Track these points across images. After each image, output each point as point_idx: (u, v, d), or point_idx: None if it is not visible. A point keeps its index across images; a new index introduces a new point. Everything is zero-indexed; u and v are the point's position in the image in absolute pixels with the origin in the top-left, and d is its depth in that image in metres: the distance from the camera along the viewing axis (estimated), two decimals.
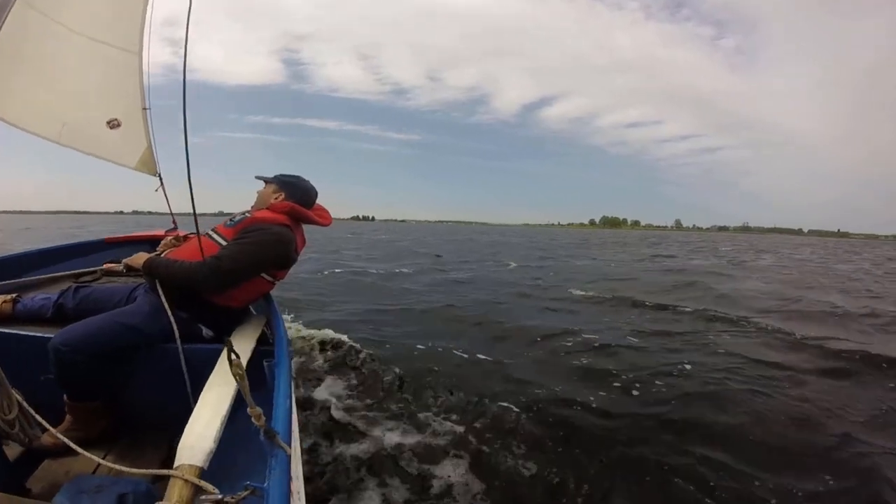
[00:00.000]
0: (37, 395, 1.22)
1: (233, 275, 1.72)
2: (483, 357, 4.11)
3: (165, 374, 1.60)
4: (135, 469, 1.05)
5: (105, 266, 2.56)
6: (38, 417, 1.19)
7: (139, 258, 1.85)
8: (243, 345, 1.63)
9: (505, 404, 3.12)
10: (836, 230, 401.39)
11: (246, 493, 0.90)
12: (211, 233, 1.91)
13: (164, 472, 0.97)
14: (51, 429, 1.16)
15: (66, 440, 1.10)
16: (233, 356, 0.98)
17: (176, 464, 0.99)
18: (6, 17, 1.20)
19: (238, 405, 1.20)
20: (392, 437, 2.69)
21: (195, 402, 1.31)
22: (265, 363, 1.52)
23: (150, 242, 3.40)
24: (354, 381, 3.52)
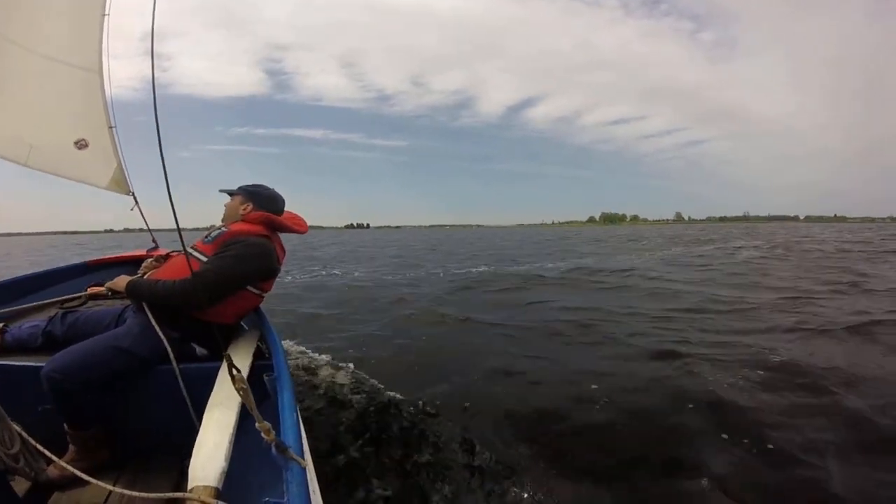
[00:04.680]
0: (37, 427, 1.16)
1: (218, 289, 1.71)
2: None
3: (164, 396, 1.58)
4: (147, 494, 1.02)
5: (89, 290, 2.57)
6: (43, 449, 1.14)
7: (121, 281, 1.85)
8: (240, 360, 1.58)
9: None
10: (833, 215, 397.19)
11: None
12: (190, 250, 1.87)
13: (179, 494, 0.94)
14: (57, 460, 1.12)
15: (74, 470, 1.07)
16: (234, 371, 0.99)
17: (189, 486, 0.97)
18: None
19: (243, 421, 1.21)
20: (408, 448, 2.55)
21: (199, 421, 1.30)
22: (265, 377, 1.51)
23: (133, 263, 3.40)
24: (358, 394, 3.28)
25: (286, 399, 1.29)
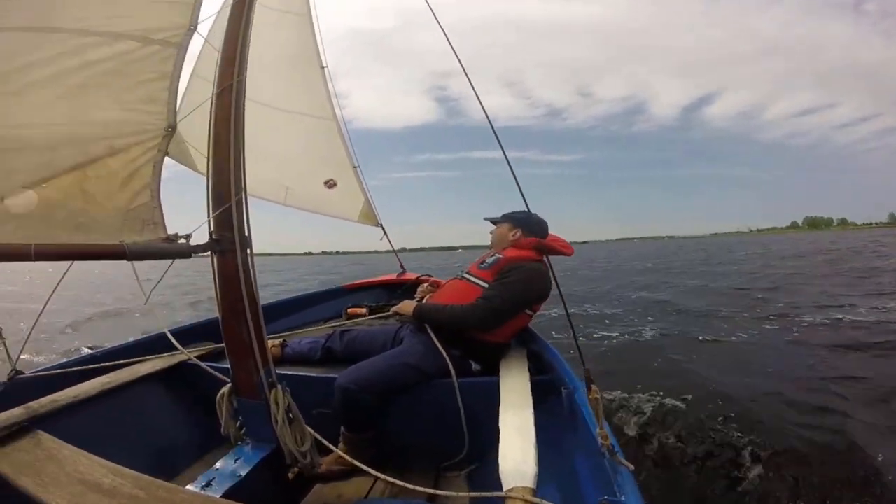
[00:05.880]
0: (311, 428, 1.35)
1: (505, 314, 1.81)
2: None
3: (435, 407, 1.69)
4: (466, 493, 1.22)
5: (349, 311, 2.96)
6: (333, 447, 1.34)
7: (406, 306, 1.98)
8: (517, 375, 1.68)
9: None
10: None
11: None
12: (467, 276, 2.03)
13: (500, 494, 1.00)
14: (345, 456, 1.33)
15: (358, 464, 1.23)
16: (592, 385, 1.15)
17: (506, 487, 1.02)
18: (244, 114, 1.31)
19: (539, 428, 1.29)
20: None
21: (468, 432, 1.58)
22: (564, 391, 1.55)
23: (381, 287, 3.85)
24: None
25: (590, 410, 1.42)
